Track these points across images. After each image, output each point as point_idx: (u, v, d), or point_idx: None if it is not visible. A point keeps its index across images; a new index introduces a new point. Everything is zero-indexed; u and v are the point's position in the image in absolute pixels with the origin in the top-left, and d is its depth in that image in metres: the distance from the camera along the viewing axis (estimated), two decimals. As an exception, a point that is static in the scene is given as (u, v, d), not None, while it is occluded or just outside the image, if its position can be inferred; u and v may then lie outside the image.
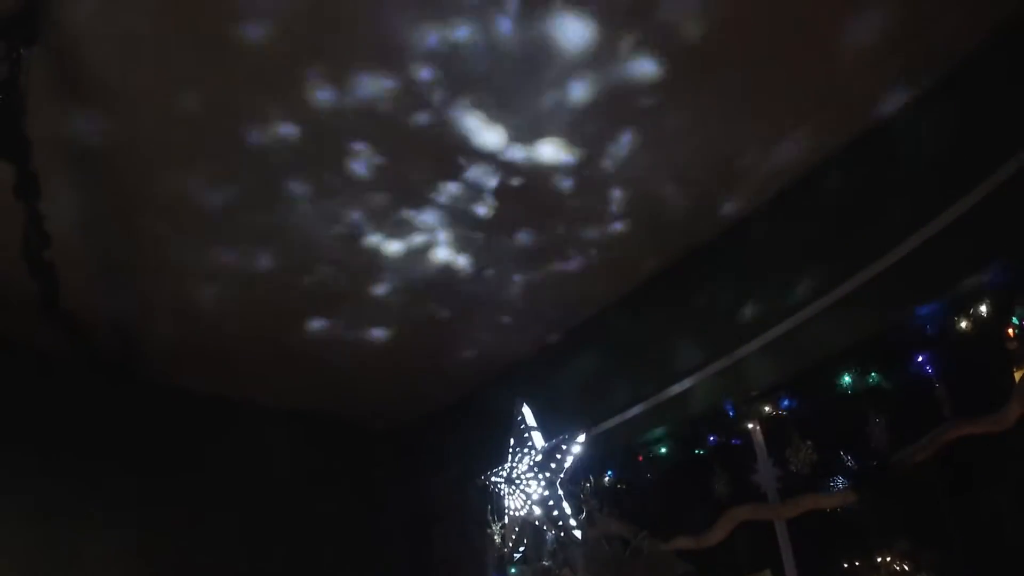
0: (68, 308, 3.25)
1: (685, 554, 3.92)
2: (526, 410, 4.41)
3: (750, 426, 4.06)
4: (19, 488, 4.30)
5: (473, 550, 4.60)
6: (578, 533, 4.03)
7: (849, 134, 3.82)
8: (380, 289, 4.52)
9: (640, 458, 4.47)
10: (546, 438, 4.30)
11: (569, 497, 4.15)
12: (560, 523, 4.09)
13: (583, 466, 4.14)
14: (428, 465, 5.68)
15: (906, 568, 3.32)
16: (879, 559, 3.41)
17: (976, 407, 3.25)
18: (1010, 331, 3.20)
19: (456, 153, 3.67)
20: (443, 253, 4.31)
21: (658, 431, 4.43)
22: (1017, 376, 3.16)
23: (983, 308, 3.35)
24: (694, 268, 4.47)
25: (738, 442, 4.13)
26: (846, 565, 3.54)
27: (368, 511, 5.61)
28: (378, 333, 4.91)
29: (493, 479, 4.40)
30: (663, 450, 4.43)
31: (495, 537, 4.38)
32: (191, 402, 5.21)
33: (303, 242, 4.09)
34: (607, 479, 4.48)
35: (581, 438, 4.16)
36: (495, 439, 4.46)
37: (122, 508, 4.67)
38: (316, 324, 4.80)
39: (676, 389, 4.36)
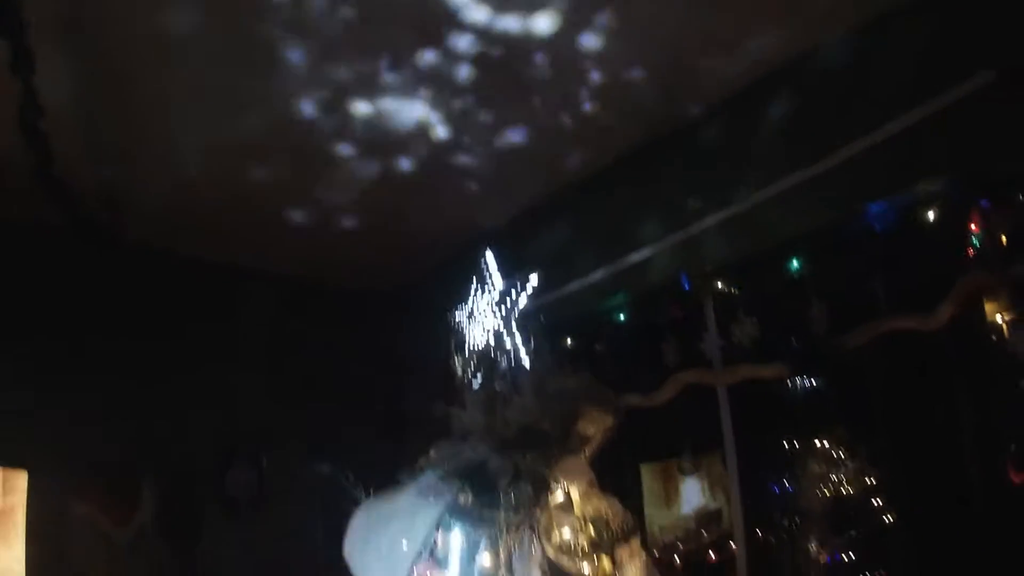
0: (60, 176, 3.26)
1: (635, 411, 4.30)
2: (489, 256, 4.68)
3: (702, 300, 4.36)
4: (15, 349, 4.52)
5: (441, 396, 4.95)
6: (526, 363, 4.43)
7: (820, 36, 3.89)
8: (361, 154, 4.57)
9: (599, 324, 4.79)
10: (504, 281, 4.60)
11: (520, 330, 4.50)
12: (510, 352, 4.48)
13: (534, 307, 4.49)
14: (403, 326, 5.99)
15: (842, 455, 3.66)
16: (817, 443, 3.75)
17: (912, 305, 3.51)
18: (970, 251, 3.37)
19: (438, 21, 3.67)
20: (421, 119, 4.34)
21: (617, 298, 4.74)
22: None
23: (931, 213, 3.55)
24: (661, 151, 4.63)
25: (690, 314, 4.43)
26: (785, 444, 3.88)
27: (345, 367, 5.91)
28: (358, 199, 4.98)
29: (456, 315, 4.73)
30: (621, 317, 4.74)
31: (457, 368, 4.74)
32: (176, 265, 5.35)
33: (288, 107, 4.09)
34: (568, 342, 4.79)
35: (533, 279, 4.47)
36: (463, 301, 4.72)
37: (108, 362, 4.92)
38: (298, 189, 4.87)
39: (635, 258, 4.65)
